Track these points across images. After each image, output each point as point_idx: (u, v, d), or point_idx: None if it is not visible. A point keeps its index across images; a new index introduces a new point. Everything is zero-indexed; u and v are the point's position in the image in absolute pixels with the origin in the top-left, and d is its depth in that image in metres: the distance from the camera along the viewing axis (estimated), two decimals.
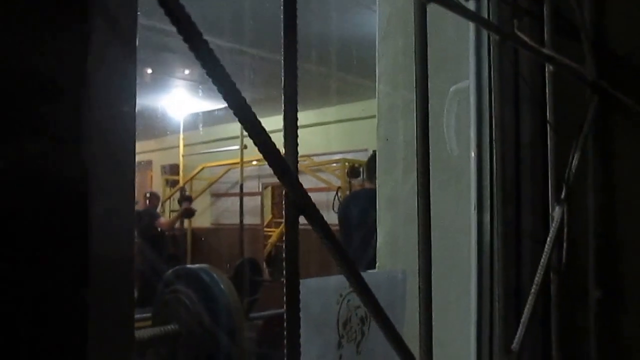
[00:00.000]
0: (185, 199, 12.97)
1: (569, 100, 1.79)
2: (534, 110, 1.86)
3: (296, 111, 0.83)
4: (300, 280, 0.87)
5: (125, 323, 0.64)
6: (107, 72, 0.62)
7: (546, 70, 1.77)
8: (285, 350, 0.82)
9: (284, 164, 0.77)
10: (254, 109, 0.71)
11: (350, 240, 5.43)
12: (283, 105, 0.82)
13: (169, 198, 13.73)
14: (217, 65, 0.66)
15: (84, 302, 0.57)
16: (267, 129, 0.72)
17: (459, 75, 2.01)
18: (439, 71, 2.00)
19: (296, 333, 0.82)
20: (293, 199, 0.80)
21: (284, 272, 0.84)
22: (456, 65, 2.02)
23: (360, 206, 5.43)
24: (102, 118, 0.61)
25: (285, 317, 0.84)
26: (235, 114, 0.70)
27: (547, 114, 1.78)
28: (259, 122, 0.72)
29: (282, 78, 0.82)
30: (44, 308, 0.54)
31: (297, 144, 0.81)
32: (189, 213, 12.42)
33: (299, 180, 0.79)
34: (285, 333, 0.82)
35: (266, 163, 0.74)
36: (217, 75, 0.66)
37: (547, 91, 1.78)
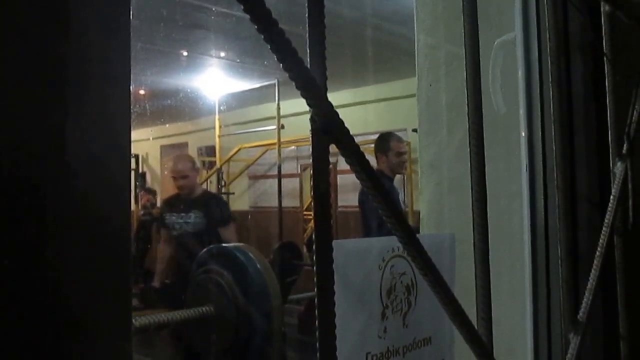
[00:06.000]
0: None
1: (627, 45, 1.63)
2: (586, 61, 1.71)
3: (323, 15, 0.68)
4: (335, 242, 0.74)
5: (123, 310, 0.56)
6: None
7: (602, 10, 1.61)
8: (317, 312, 0.68)
9: (307, 75, 0.61)
10: None
11: (371, 226, 5.35)
12: (307, 7, 0.67)
13: (206, 180, 13.60)
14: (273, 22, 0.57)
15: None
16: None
17: (503, 27, 1.86)
18: (482, 23, 1.84)
19: (330, 288, 0.68)
20: (321, 123, 0.64)
21: (313, 220, 0.70)
22: (500, 16, 1.87)
23: None
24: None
25: (315, 276, 0.71)
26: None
27: (605, 62, 1.62)
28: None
29: None
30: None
31: (324, 57, 0.66)
32: None
33: (328, 99, 0.64)
34: (316, 291, 0.68)
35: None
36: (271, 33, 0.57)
37: (603, 36, 1.62)
